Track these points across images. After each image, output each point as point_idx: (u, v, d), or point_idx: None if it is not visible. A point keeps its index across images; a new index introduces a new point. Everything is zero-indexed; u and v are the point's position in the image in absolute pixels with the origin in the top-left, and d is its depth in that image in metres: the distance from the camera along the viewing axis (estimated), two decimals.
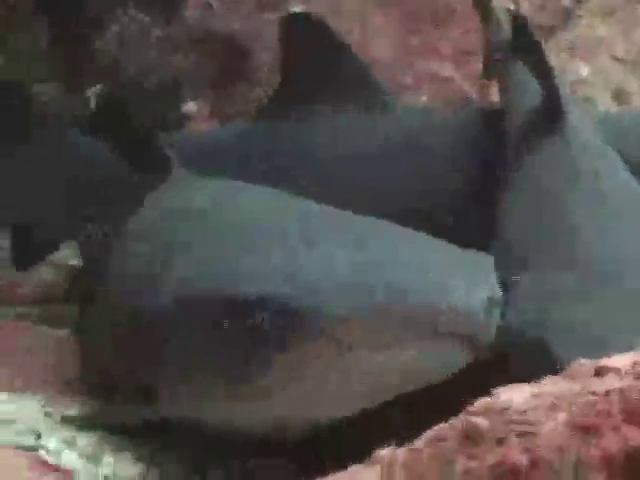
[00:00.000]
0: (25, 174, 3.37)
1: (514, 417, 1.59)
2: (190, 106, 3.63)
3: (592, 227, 2.65)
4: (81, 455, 2.40)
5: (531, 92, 3.16)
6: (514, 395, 1.68)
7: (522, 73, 3.34)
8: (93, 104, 2.80)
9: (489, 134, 3.21)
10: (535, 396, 1.67)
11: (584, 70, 3.76)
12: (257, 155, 3.23)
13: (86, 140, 3.31)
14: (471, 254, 2.36)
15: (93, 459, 2.39)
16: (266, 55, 3.64)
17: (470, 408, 1.68)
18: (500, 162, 3.04)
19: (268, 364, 2.16)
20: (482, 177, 3.12)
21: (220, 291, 2.26)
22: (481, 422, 1.58)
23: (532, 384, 1.74)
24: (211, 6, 3.66)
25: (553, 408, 1.59)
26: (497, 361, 2.29)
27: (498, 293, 2.23)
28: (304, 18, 3.27)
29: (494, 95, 3.82)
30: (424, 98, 3.77)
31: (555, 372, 2.13)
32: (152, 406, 2.44)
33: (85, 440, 2.45)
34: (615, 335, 2.27)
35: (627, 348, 2.08)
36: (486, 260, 2.35)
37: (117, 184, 3.03)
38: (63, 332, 3.07)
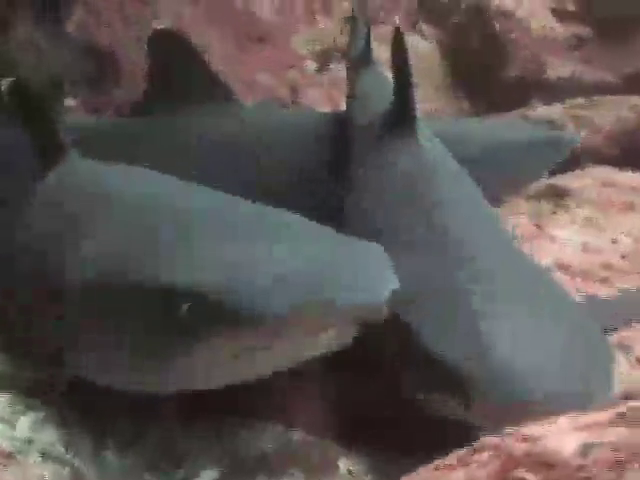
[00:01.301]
0: None
1: (570, 473, 1.38)
2: (69, 101, 4.13)
3: (446, 222, 2.65)
4: None
5: (379, 98, 3.17)
6: (563, 443, 1.47)
7: (371, 80, 3.47)
8: (5, 93, 2.84)
9: (329, 136, 3.39)
10: (591, 446, 1.44)
11: None
12: (130, 145, 3.44)
13: None
14: (370, 246, 2.33)
15: (8, 422, 2.38)
16: (131, 62, 4.16)
17: (510, 449, 1.50)
18: (342, 163, 3.10)
19: (186, 353, 2.14)
20: (324, 177, 3.24)
21: (134, 277, 2.22)
22: (529, 478, 1.41)
23: (579, 425, 1.55)
24: (87, 23, 4.21)
25: (620, 464, 1.35)
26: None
27: (397, 285, 2.20)
28: (166, 33, 3.70)
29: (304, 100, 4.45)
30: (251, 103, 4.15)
31: (426, 357, 2.32)
32: (61, 369, 2.44)
33: (0, 402, 2.45)
34: (479, 319, 2.36)
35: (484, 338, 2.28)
36: (382, 252, 2.31)
37: (18, 163, 3.05)
38: None
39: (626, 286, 3.33)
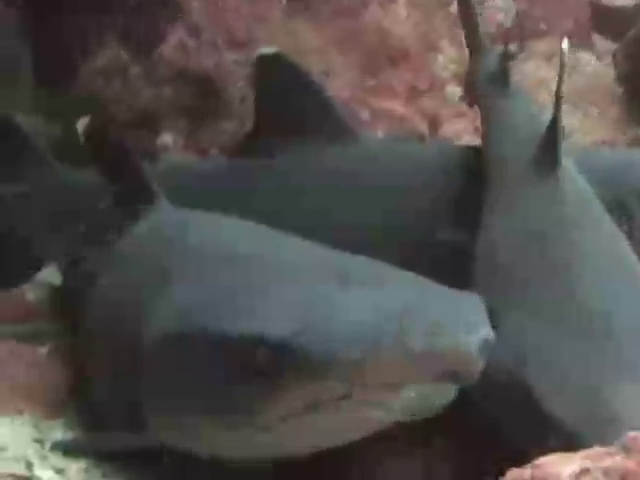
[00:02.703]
0: (12, 199, 3.44)
1: None
2: (165, 138, 3.76)
3: (577, 275, 2.55)
4: None
5: (519, 132, 3.05)
6: (561, 468, 1.65)
7: (511, 108, 3.27)
8: (81, 135, 2.77)
9: (461, 171, 3.19)
10: (585, 471, 1.64)
11: None
12: (235, 189, 3.27)
13: (73, 170, 3.43)
14: (462, 295, 2.29)
15: None
16: (236, 91, 3.79)
17: (510, 477, 1.68)
18: (476, 201, 2.95)
19: (267, 403, 2.12)
20: (456, 215, 3.07)
21: (219, 327, 2.21)
22: None
23: (580, 453, 1.72)
24: (186, 45, 3.79)
25: None
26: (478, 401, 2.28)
27: (491, 335, 2.17)
28: (275, 58, 3.31)
29: (445, 131, 4.02)
30: (380, 134, 3.88)
31: (538, 419, 2.22)
32: (142, 435, 2.39)
33: (75, 468, 2.40)
34: (601, 383, 2.24)
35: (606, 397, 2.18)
36: (476, 301, 2.26)
37: (101, 212, 3.02)
38: (44, 350, 3.03)
39: None
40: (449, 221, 3.07)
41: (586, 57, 4.59)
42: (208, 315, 2.28)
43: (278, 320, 2.13)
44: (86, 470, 2.40)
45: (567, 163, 2.80)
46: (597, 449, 1.77)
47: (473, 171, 3.13)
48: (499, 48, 3.42)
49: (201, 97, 3.80)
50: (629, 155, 3.79)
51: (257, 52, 3.36)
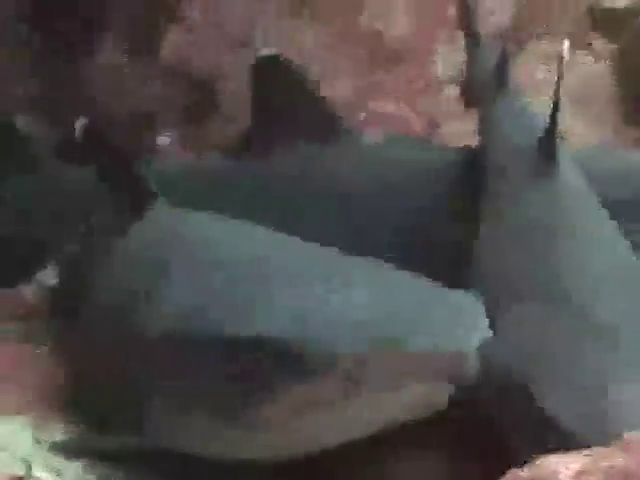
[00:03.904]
0: (12, 199, 3.48)
1: None
2: (163, 139, 3.79)
3: (577, 271, 2.55)
4: None
5: (518, 129, 3.07)
6: (561, 467, 1.66)
7: (509, 109, 3.27)
8: (79, 135, 2.76)
9: (462, 171, 3.21)
10: (584, 472, 1.64)
11: None
12: (232, 190, 3.28)
13: (70, 170, 3.42)
14: (460, 294, 2.29)
15: None
16: (234, 92, 3.78)
17: (511, 477, 1.69)
18: (474, 198, 2.97)
19: (264, 404, 2.13)
20: (454, 212, 3.09)
21: (216, 328, 2.22)
22: None
23: (581, 453, 1.73)
24: (184, 46, 3.81)
25: None
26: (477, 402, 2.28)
27: (489, 335, 2.18)
28: (273, 59, 3.32)
29: (444, 132, 4.02)
30: (379, 136, 3.74)
31: (542, 421, 2.18)
32: (141, 435, 2.39)
33: (73, 469, 2.40)
34: (607, 383, 2.22)
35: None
36: (475, 301, 2.27)
37: (99, 212, 3.02)
38: (44, 350, 3.01)
39: None
40: (446, 221, 3.08)
41: (584, 57, 4.57)
42: (207, 316, 2.27)
43: (278, 320, 2.14)
44: (84, 471, 2.39)
45: (565, 163, 2.81)
46: (597, 449, 1.77)
47: (470, 172, 3.14)
48: (497, 47, 3.41)
49: (198, 97, 3.81)
50: (627, 156, 3.77)
51: (256, 53, 3.35)
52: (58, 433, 2.55)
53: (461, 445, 2.45)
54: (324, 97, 3.34)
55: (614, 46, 4.69)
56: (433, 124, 4.06)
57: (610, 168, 3.16)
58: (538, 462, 1.74)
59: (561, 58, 2.77)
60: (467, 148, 3.37)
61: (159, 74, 3.76)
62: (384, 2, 4.10)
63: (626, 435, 1.79)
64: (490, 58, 3.46)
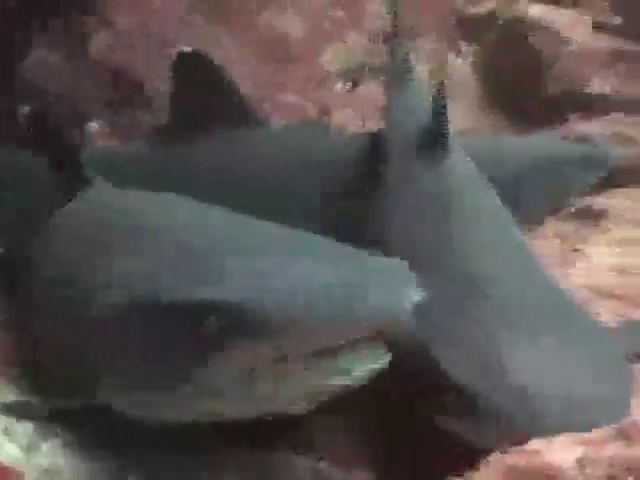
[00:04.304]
0: None
1: None
2: (92, 126, 3.99)
3: (469, 247, 2.64)
4: (20, 446, 2.36)
5: (415, 118, 3.17)
6: (562, 455, 1.56)
7: (409, 96, 3.46)
8: (24, 122, 2.98)
9: (361, 152, 3.39)
10: (588, 461, 1.54)
11: None
12: (156, 172, 3.41)
13: (11, 153, 3.49)
14: (391, 261, 2.31)
15: (32, 449, 2.37)
16: (156, 85, 4.00)
17: (506, 462, 1.62)
18: (375, 180, 3.08)
19: (210, 366, 2.12)
20: (356, 189, 3.22)
21: (166, 294, 2.20)
22: None
23: (576, 440, 1.65)
24: (110, 44, 4.03)
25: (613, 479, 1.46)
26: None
27: (420, 297, 2.18)
28: (192, 55, 3.53)
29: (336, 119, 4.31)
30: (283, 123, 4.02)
31: (440, 382, 2.31)
32: (88, 395, 2.38)
33: (23, 429, 2.42)
34: (497, 348, 2.34)
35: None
36: (404, 266, 2.29)
37: (40, 192, 3.10)
38: None
39: None
40: (346, 196, 3.26)
41: (452, 57, 4.81)
42: (153, 283, 2.26)
43: (222, 288, 2.14)
44: (33, 432, 2.42)
45: (455, 146, 2.98)
46: (594, 435, 1.72)
47: (366, 153, 3.35)
48: (405, 44, 3.70)
49: (123, 91, 4.03)
50: (500, 140, 4.17)
51: (177, 50, 3.58)
52: (7, 395, 2.58)
53: (387, 411, 2.55)
54: (238, 89, 3.53)
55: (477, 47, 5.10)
56: (326, 112, 4.36)
57: (486, 152, 3.39)
58: (529, 448, 1.69)
59: (443, 56, 3.10)
60: (365, 132, 3.61)
61: (88, 70, 4.00)
62: (282, 6, 4.40)
63: (626, 421, 1.79)
64: (400, 52, 3.71)
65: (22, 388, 2.63)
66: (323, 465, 2.53)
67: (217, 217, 2.60)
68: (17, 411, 2.47)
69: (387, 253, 2.44)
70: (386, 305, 2.11)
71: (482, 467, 1.71)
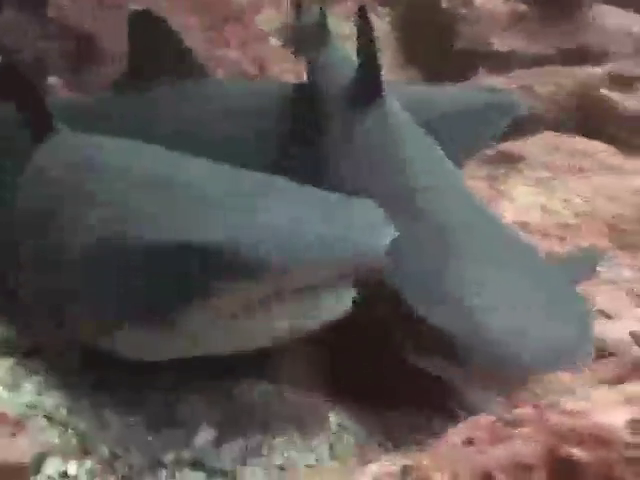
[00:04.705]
0: None
1: (629, 453, 1.26)
2: (53, 80, 4.25)
3: (420, 187, 2.64)
4: (3, 384, 2.40)
5: (343, 71, 3.25)
6: (612, 418, 1.36)
7: (334, 54, 3.56)
8: None
9: (298, 105, 3.47)
10: (638, 424, 1.34)
11: None
12: (117, 120, 3.45)
13: None
14: (362, 201, 2.32)
15: (13, 387, 2.40)
16: (111, 43, 4.27)
17: (554, 424, 1.38)
18: (316, 128, 3.14)
19: (196, 306, 2.12)
20: (295, 144, 3.31)
21: (148, 236, 2.20)
22: (582, 456, 1.28)
23: (622, 398, 1.44)
24: (67, 7, 4.32)
25: None
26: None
27: (393, 235, 2.21)
28: (145, 13, 3.65)
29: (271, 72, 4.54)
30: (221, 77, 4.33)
31: (415, 323, 2.31)
32: (65, 332, 2.43)
33: (3, 369, 2.46)
34: (461, 284, 2.33)
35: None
36: (375, 206, 2.29)
37: (9, 140, 3.18)
38: None
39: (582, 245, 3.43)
40: (289, 145, 3.33)
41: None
42: (137, 224, 2.27)
43: (205, 230, 2.14)
44: (11, 371, 2.47)
45: (388, 93, 3.02)
46: (635, 387, 1.56)
47: (304, 101, 3.42)
48: (315, 7, 3.88)
49: (80, 47, 4.30)
50: (430, 88, 4.30)
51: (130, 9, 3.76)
52: None
53: (351, 338, 2.52)
54: (185, 44, 3.64)
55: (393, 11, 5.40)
56: (262, 67, 4.64)
57: (419, 97, 3.53)
58: (570, 407, 1.47)
59: (366, 15, 3.07)
60: (298, 83, 3.73)
61: (48, 29, 4.26)
62: None
63: None
64: (312, 16, 3.88)
65: (3, 325, 2.66)
66: (286, 389, 2.57)
67: (189, 161, 2.58)
68: None
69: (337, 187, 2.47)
70: (367, 243, 2.11)
71: (518, 429, 1.49)
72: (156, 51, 3.64)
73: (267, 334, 2.20)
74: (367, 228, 2.16)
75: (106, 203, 2.38)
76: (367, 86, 3.00)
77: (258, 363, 2.56)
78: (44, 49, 4.32)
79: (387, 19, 5.43)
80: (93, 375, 2.48)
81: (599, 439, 1.27)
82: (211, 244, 2.07)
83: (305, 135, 3.26)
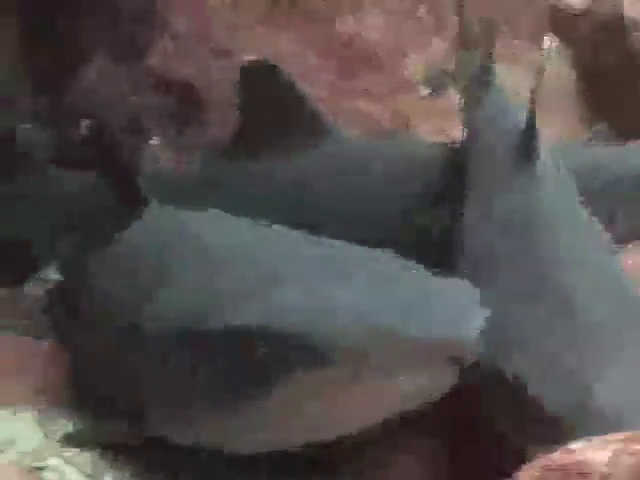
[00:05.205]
0: (13, 201, 3.49)
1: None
2: (154, 141, 3.85)
3: (559, 261, 2.59)
4: (82, 473, 2.35)
5: (502, 124, 3.13)
6: (594, 453, 1.57)
7: (493, 106, 3.37)
8: (84, 134, 2.83)
9: (442, 166, 3.29)
10: (620, 453, 1.55)
11: None
12: (222, 191, 3.31)
13: (69, 174, 3.48)
14: (456, 281, 2.30)
15: (94, 477, 2.35)
16: (219, 97, 3.88)
17: (544, 462, 1.62)
18: (457, 193, 3.01)
19: (268, 393, 2.10)
20: (437, 203, 3.15)
21: (220, 321, 2.19)
22: None
23: (612, 438, 1.64)
24: (169, 54, 3.91)
25: None
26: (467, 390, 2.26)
27: (484, 319, 2.16)
28: (259, 65, 3.40)
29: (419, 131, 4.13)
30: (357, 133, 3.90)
31: (526, 405, 2.23)
32: (145, 425, 2.38)
33: (85, 458, 2.41)
34: (587, 369, 2.27)
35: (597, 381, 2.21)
36: (471, 287, 2.27)
37: (97, 214, 3.07)
38: (45, 343, 3.02)
39: None
40: (431, 208, 3.16)
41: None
42: (209, 311, 2.24)
43: (280, 313, 2.12)
44: (93, 461, 2.41)
45: (545, 155, 2.90)
46: (623, 435, 1.69)
47: (449, 164, 3.25)
48: (481, 49, 3.58)
49: (185, 104, 3.91)
50: (598, 150, 3.91)
51: (243, 60, 3.48)
52: (64, 425, 2.56)
53: (457, 433, 2.49)
54: (308, 98, 3.41)
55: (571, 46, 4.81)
56: (405, 122, 4.18)
57: (579, 162, 3.26)
58: (565, 449, 1.66)
59: (541, 60, 2.94)
60: (443, 143, 3.47)
61: (148, 82, 3.87)
62: (358, 6, 4.26)
63: None
64: (475, 60, 3.61)
65: (79, 417, 2.60)
66: None
67: (275, 238, 2.56)
68: (75, 441, 2.45)
69: (472, 267, 2.56)
70: (446, 327, 2.08)
71: None
72: (272, 109, 3.39)
73: (350, 420, 2.20)
74: (461, 309, 2.14)
75: (181, 287, 2.41)
76: (520, 149, 2.89)
77: (353, 464, 2.48)
78: (141, 106, 3.92)
79: (564, 57, 4.81)
80: (171, 470, 2.43)
81: (577, 471, 1.49)
82: (279, 331, 2.08)
83: (444, 203, 3.13)
